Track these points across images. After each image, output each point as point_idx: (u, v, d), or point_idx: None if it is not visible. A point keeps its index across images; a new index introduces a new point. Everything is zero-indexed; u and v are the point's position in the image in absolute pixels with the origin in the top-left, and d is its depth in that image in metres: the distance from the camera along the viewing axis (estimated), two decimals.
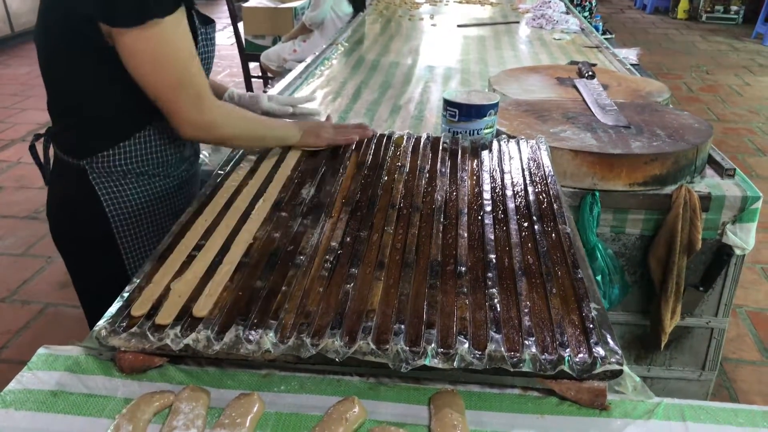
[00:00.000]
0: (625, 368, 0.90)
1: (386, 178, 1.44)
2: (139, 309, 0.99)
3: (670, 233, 1.61)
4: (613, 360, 0.91)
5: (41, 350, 0.98)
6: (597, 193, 1.61)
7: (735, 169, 1.70)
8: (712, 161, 1.77)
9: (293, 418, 0.89)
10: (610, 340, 0.94)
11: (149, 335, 0.95)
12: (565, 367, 0.90)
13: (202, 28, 1.42)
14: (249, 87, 4.77)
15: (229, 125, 1.40)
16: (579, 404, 0.92)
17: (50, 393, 0.90)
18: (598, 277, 1.65)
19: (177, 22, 1.25)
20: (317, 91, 2.51)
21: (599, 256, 1.65)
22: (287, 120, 1.70)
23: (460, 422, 0.87)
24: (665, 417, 0.91)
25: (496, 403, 0.92)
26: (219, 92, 1.72)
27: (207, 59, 1.47)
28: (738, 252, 1.66)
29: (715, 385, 1.91)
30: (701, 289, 1.71)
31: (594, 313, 1.00)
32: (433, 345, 0.93)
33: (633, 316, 1.79)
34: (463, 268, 1.11)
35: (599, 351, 0.92)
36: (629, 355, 1.81)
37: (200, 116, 1.33)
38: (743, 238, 1.63)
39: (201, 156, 1.77)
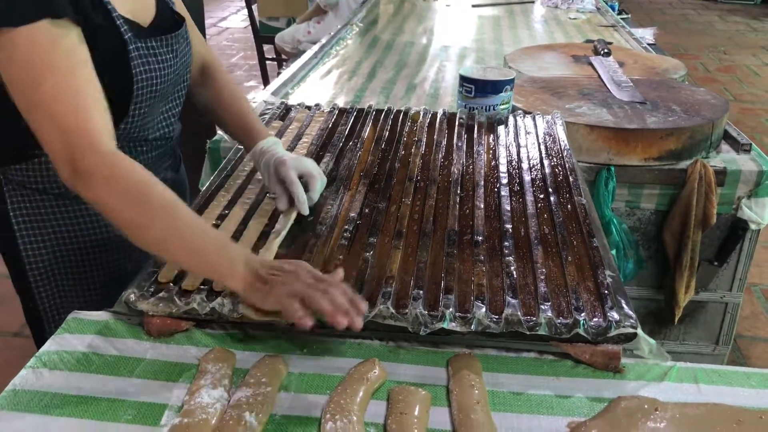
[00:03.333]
0: (640, 332, 0.92)
1: (403, 152, 1.46)
2: (165, 275, 1.03)
3: (685, 208, 1.62)
4: (628, 324, 0.93)
5: (71, 316, 1.02)
6: (612, 168, 1.62)
7: (751, 144, 1.70)
8: (728, 137, 1.77)
9: (316, 379, 0.92)
10: (624, 305, 0.96)
11: (176, 300, 0.98)
12: (581, 331, 0.92)
13: (140, 42, 1.06)
14: (263, 69, 4.79)
15: (114, 196, 0.91)
16: (594, 367, 0.94)
17: (82, 354, 0.94)
18: (613, 252, 1.66)
19: (42, 34, 0.92)
20: (332, 71, 2.53)
21: (614, 230, 1.66)
22: (238, 251, 0.97)
23: (477, 383, 0.89)
24: (678, 379, 0.93)
25: (513, 365, 0.95)
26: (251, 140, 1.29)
27: (156, 78, 1.10)
28: (753, 227, 1.66)
29: (728, 361, 1.92)
30: (716, 263, 1.72)
31: (609, 279, 1.02)
32: (451, 309, 0.95)
33: (647, 290, 1.80)
34: (480, 238, 1.13)
35: (614, 315, 0.94)
36: (644, 330, 1.82)
37: (68, 165, 0.91)
38: (758, 213, 1.64)
39: (218, 135, 1.79)
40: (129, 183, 0.92)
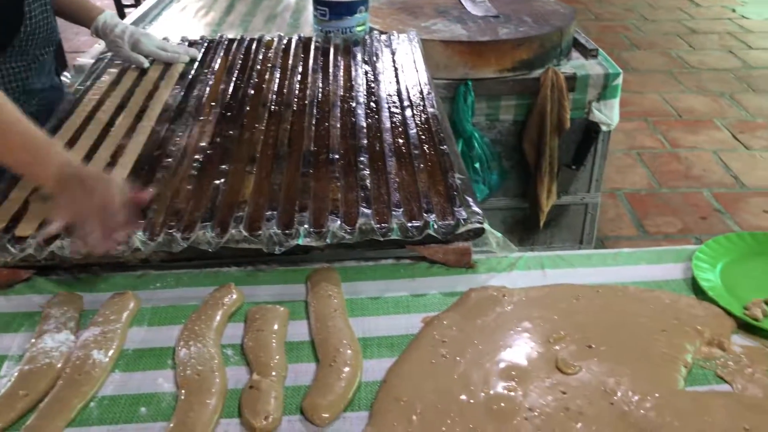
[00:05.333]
0: (486, 226, 0.96)
1: (257, 79, 1.41)
2: None
3: (540, 115, 1.69)
4: (475, 220, 0.96)
5: None
6: (470, 82, 1.65)
7: (597, 50, 1.78)
8: (577, 44, 1.85)
9: (170, 310, 0.89)
10: (472, 204, 0.99)
11: (9, 247, 0.91)
12: (431, 231, 0.94)
13: None
14: (119, 7, 4.46)
15: None
16: (448, 265, 0.97)
17: None
18: (477, 165, 1.71)
19: None
20: (188, 6, 2.39)
21: (476, 144, 1.70)
22: (59, 154, 0.96)
23: (335, 293, 0.90)
24: (526, 268, 0.97)
25: (371, 273, 0.96)
26: (89, 14, 1.44)
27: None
28: (604, 128, 1.76)
29: None
30: (574, 167, 1.81)
31: (458, 181, 1.04)
32: (305, 226, 0.95)
33: (513, 200, 1.88)
34: (336, 156, 1.12)
35: (462, 213, 0.97)
36: (513, 239, 1.91)
37: None
38: (608, 115, 1.73)
39: (63, 79, 1.67)
40: None
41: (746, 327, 0.85)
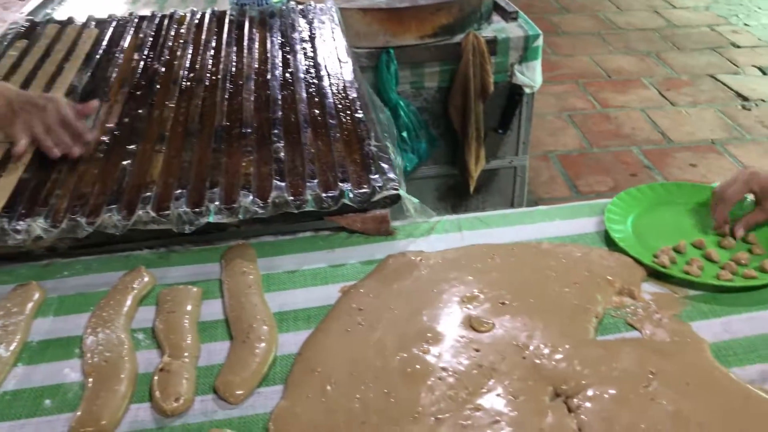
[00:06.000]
0: (402, 192, 0.95)
1: (168, 56, 1.36)
2: None
3: (463, 81, 1.69)
4: (390, 187, 0.95)
5: None
6: (391, 51, 1.64)
7: (518, 12, 1.78)
8: (498, 8, 1.85)
9: (78, 299, 0.86)
10: (387, 171, 0.98)
11: None
12: (347, 200, 0.93)
13: None
14: None
15: None
16: (367, 234, 0.96)
17: None
18: (404, 134, 1.70)
19: None
20: None
21: (402, 113, 1.69)
22: None
23: (250, 269, 0.88)
24: (444, 231, 0.97)
25: (288, 247, 0.95)
26: None
27: None
28: (527, 90, 1.77)
29: None
30: (500, 131, 1.82)
31: (374, 149, 1.03)
32: (216, 203, 0.92)
33: (444, 167, 1.88)
34: (249, 130, 1.09)
35: (377, 181, 0.96)
36: (446, 206, 1.92)
37: None
38: (530, 77, 1.74)
39: None
40: None
41: (656, 275, 0.87)
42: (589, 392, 0.69)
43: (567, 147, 2.97)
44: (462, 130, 1.76)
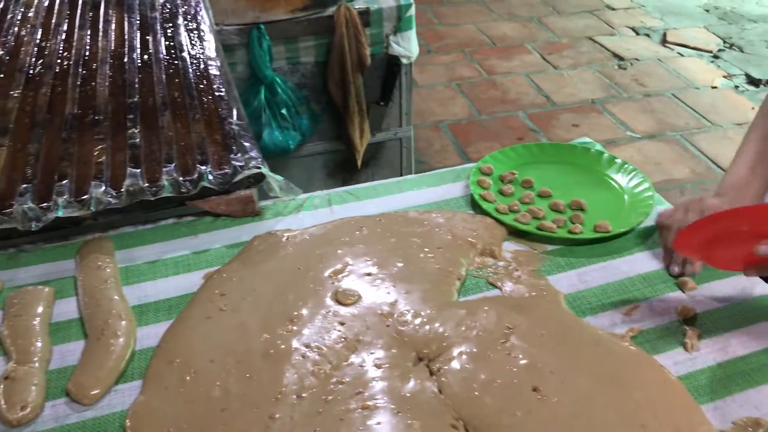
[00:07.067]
0: (266, 170, 0.93)
1: (13, 43, 1.26)
2: None
3: (340, 54, 1.67)
4: (252, 165, 0.92)
5: None
6: (262, 26, 1.59)
7: None
8: None
9: None
10: (249, 150, 0.95)
11: None
12: (206, 183, 0.90)
13: None
14: None
15: None
16: (233, 216, 0.94)
17: None
18: (284, 111, 1.67)
19: None
20: None
21: (280, 90, 1.66)
22: None
23: (107, 263, 0.84)
24: (313, 207, 0.96)
25: (150, 237, 0.91)
26: None
27: None
28: (404, 61, 1.77)
29: None
30: (382, 103, 1.82)
31: (236, 128, 1.00)
32: (65, 196, 0.87)
33: (330, 143, 1.86)
34: (102, 116, 1.03)
35: (239, 160, 0.93)
36: (336, 182, 1.91)
37: None
38: (406, 47, 1.74)
39: None
40: None
41: (516, 233, 0.89)
42: (450, 354, 0.70)
43: (457, 116, 3.02)
44: (343, 104, 1.74)
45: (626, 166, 0.99)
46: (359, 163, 1.84)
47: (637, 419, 0.63)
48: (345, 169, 1.92)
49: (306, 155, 1.85)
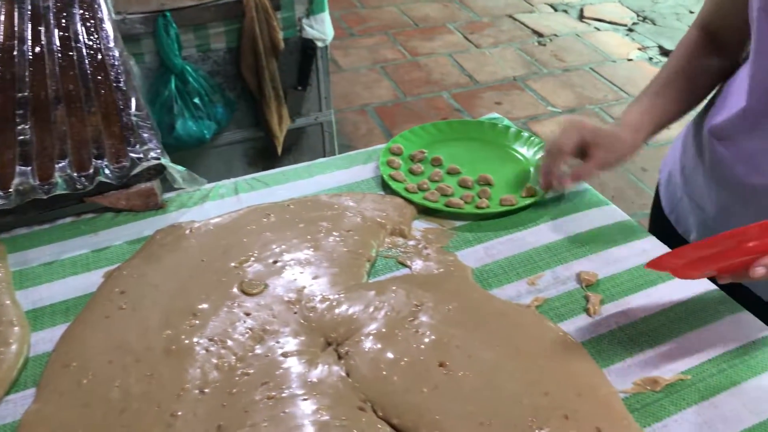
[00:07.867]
0: (166, 161, 0.89)
1: None
2: None
3: (251, 39, 1.63)
4: (151, 157, 0.89)
5: None
6: (168, 14, 1.54)
7: None
8: None
9: None
10: (148, 141, 0.92)
11: None
12: (103, 177, 0.86)
13: None
14: None
15: None
16: (135, 211, 0.90)
17: None
18: (196, 100, 1.62)
19: None
20: None
21: (191, 79, 1.61)
22: None
23: None
24: (219, 197, 0.93)
25: (46, 237, 0.86)
26: None
27: None
28: (320, 44, 1.75)
29: None
30: (299, 88, 1.79)
31: (134, 119, 0.96)
32: None
33: (249, 131, 1.83)
34: None
35: (137, 152, 0.89)
36: (257, 170, 1.87)
37: None
38: (320, 30, 1.72)
39: None
40: None
41: (426, 211, 0.89)
42: (358, 336, 0.69)
43: (382, 99, 3.01)
44: (259, 90, 1.71)
45: (532, 138, 1.00)
46: (279, 150, 1.81)
47: (540, 387, 0.64)
48: (266, 157, 1.89)
49: (224, 144, 1.81)
